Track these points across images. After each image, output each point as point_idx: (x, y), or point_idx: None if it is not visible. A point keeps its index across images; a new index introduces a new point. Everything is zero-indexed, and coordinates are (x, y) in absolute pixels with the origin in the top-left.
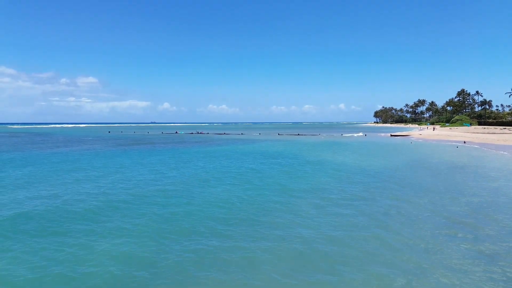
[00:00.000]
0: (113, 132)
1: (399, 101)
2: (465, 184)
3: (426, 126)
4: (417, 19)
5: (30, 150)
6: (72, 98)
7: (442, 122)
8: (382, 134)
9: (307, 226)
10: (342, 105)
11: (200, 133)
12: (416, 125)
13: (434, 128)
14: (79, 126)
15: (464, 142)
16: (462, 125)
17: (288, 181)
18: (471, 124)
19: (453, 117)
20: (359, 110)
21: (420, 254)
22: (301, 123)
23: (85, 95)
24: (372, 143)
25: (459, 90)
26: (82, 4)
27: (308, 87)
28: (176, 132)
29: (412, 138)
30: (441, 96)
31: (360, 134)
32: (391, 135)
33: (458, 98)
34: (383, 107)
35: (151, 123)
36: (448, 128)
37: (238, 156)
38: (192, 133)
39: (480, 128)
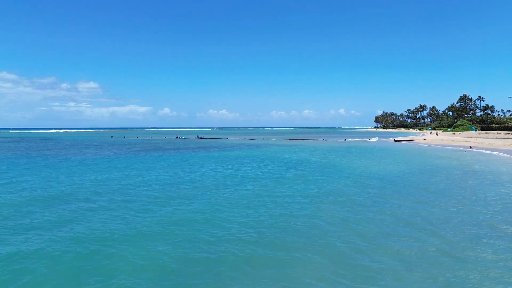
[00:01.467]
0: (115, 137)
1: (399, 106)
2: (482, 188)
3: (427, 131)
4: (417, 23)
5: (50, 156)
6: (73, 103)
7: (443, 127)
8: (386, 139)
9: (338, 233)
10: (342, 110)
11: (201, 138)
12: (417, 130)
13: (437, 133)
14: (81, 131)
15: (471, 147)
16: (465, 129)
17: (307, 187)
18: (476, 129)
19: (454, 122)
20: (358, 115)
21: (460, 264)
22: (302, 128)
23: (86, 100)
24: (377, 148)
25: (461, 95)
26: (83, 10)
27: (308, 92)
28: (177, 137)
29: (417, 143)
30: (441, 101)
31: (376, 138)
32: (395, 140)
33: (459, 103)
34: (383, 112)
35: (152, 128)
36: (451, 133)
37: (250, 162)
38: (196, 137)
39: (483, 133)
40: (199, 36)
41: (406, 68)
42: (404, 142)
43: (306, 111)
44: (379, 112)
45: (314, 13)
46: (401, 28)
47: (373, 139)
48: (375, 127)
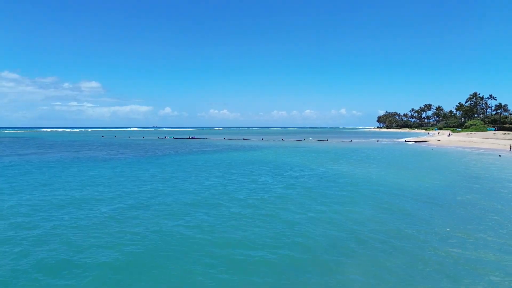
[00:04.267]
0: (106, 137)
1: (400, 106)
2: None
3: (434, 132)
4: (419, 20)
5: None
6: (74, 103)
7: (450, 127)
8: (396, 140)
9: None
10: (343, 110)
11: (192, 138)
12: (423, 131)
13: (449, 134)
14: (73, 131)
15: (510, 148)
16: (477, 130)
17: (330, 205)
18: (496, 129)
19: (462, 122)
20: (360, 115)
21: None
22: (305, 127)
23: (88, 99)
24: (389, 150)
25: (471, 93)
26: (85, 10)
27: (309, 92)
28: (165, 137)
29: (431, 145)
30: (444, 101)
31: (413, 140)
32: (406, 141)
33: (469, 102)
34: (386, 111)
35: (153, 127)
36: (463, 133)
37: (244, 169)
38: (187, 137)
39: (499, 133)
40: (200, 37)
41: (407, 68)
42: (417, 144)
43: (307, 111)
44: (381, 112)
45: (315, 13)
46: (401, 29)
47: (410, 140)
48: (377, 127)
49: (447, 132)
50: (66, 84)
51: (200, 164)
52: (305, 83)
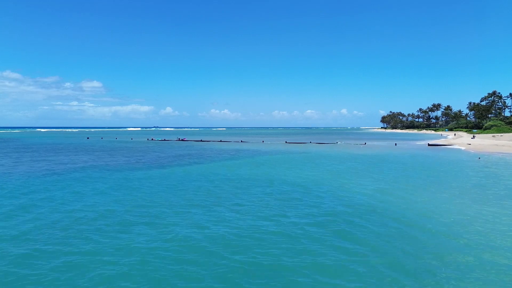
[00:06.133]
0: (92, 138)
1: (402, 106)
2: None
3: (444, 133)
4: (420, 20)
5: None
6: (75, 103)
7: (462, 128)
8: (415, 143)
9: None
10: (344, 110)
11: (182, 140)
12: (432, 131)
13: (473, 136)
14: (67, 131)
15: None
16: (499, 131)
17: None
18: None
19: (476, 123)
20: (361, 115)
21: None
22: (309, 128)
23: (89, 99)
24: (424, 158)
25: (490, 92)
26: (87, 9)
27: (310, 92)
28: (152, 139)
29: (463, 149)
30: (448, 101)
31: (438, 143)
32: (429, 145)
33: (486, 101)
34: (390, 112)
35: (154, 127)
36: (489, 135)
37: (238, 199)
38: (177, 139)
39: None
40: (202, 37)
41: (408, 69)
42: (446, 148)
43: (308, 111)
44: (382, 112)
45: (317, 13)
46: (402, 29)
47: (441, 142)
48: (381, 127)
49: (463, 134)
50: (67, 84)
51: (172, 184)
52: (306, 83)
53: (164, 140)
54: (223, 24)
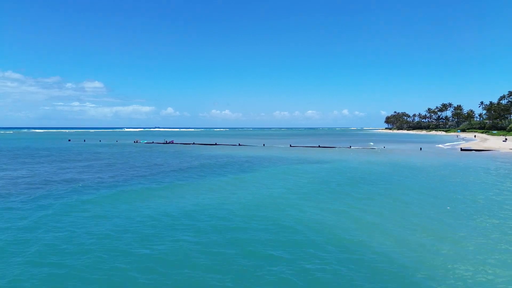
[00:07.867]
0: (73, 140)
1: (403, 106)
2: None
3: (456, 134)
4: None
5: None
6: (76, 103)
7: (475, 129)
8: (440, 146)
9: None
10: (345, 111)
11: (170, 142)
12: (443, 132)
13: (505, 139)
14: (64, 131)
15: None
16: None
17: None
18: None
19: (493, 124)
20: (362, 115)
21: None
22: (311, 128)
23: (90, 99)
24: (470, 170)
25: (510, 90)
26: (88, 10)
27: (311, 92)
28: (136, 141)
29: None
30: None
31: (471, 148)
32: (462, 149)
33: (505, 100)
34: (395, 112)
35: (155, 127)
36: None
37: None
38: (164, 142)
39: None
40: (203, 37)
41: (409, 69)
42: (482, 153)
43: (309, 111)
44: (383, 113)
45: (318, 14)
46: (402, 29)
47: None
48: (386, 128)
49: (484, 135)
50: (69, 84)
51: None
52: (307, 83)
53: (153, 142)
54: (223, 24)
